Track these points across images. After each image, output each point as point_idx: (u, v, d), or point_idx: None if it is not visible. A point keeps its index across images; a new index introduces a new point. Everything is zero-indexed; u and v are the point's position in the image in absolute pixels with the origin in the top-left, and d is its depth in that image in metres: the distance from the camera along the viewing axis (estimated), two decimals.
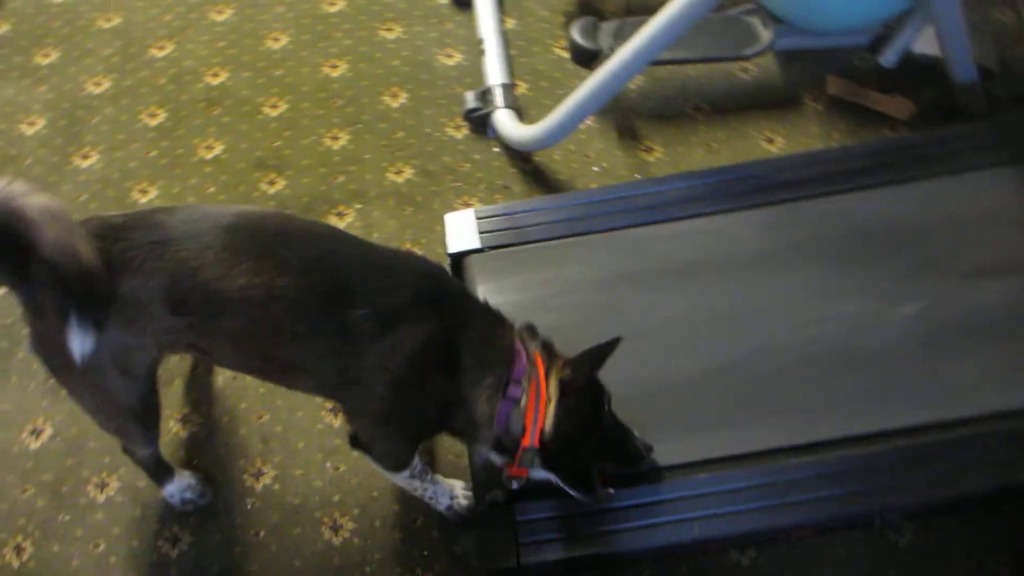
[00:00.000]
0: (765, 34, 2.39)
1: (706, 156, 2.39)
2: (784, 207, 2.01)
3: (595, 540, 1.65)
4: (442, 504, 1.81)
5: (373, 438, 1.65)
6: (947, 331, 1.81)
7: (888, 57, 2.42)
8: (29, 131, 2.48)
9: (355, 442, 1.73)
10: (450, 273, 1.62)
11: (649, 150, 2.41)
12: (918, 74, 2.44)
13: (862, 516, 1.70)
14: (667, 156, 2.40)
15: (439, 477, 1.82)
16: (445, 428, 1.64)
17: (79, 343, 1.35)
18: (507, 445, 1.55)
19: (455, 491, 1.83)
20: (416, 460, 1.71)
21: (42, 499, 1.93)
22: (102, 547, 1.87)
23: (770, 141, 2.42)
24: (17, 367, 2.06)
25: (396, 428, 1.60)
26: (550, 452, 1.53)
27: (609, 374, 1.78)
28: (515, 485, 1.61)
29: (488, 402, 1.51)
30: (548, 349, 1.59)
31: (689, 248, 1.98)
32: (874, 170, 2.06)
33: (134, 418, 1.66)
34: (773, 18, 2.42)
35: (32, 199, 1.30)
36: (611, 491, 1.63)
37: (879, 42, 2.43)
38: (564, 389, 1.52)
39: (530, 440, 1.51)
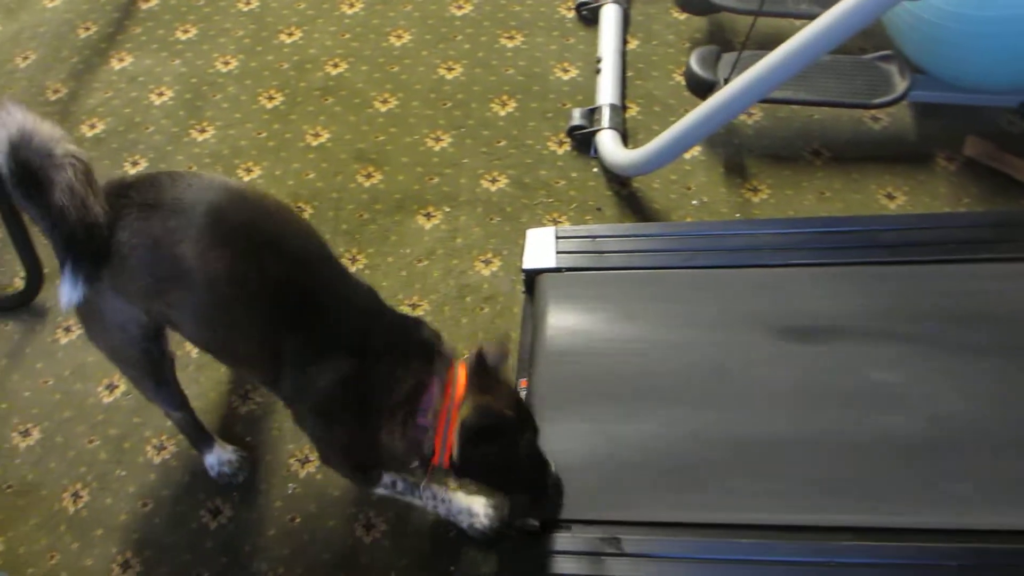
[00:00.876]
0: (900, 83, 2.23)
1: (816, 204, 2.24)
2: (887, 269, 1.85)
3: None
4: (463, 522, 1.77)
5: (316, 449, 1.72)
6: None
7: None
8: (157, 101, 2.60)
9: (323, 461, 1.77)
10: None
11: (755, 190, 2.29)
12: None
13: None
14: (773, 199, 2.27)
15: (454, 495, 1.77)
16: (378, 463, 1.67)
17: (67, 292, 1.42)
18: (422, 464, 1.58)
19: (474, 509, 1.77)
20: (391, 479, 1.71)
21: (105, 452, 2.01)
22: (150, 507, 1.93)
23: (890, 197, 2.25)
24: None
25: (330, 450, 1.68)
26: (463, 474, 1.58)
27: (666, 420, 1.71)
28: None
29: (402, 438, 1.54)
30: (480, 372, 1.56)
31: (775, 299, 1.86)
32: (997, 243, 1.87)
33: (142, 371, 1.71)
34: (912, 67, 2.25)
35: (64, 143, 1.37)
36: (534, 523, 1.60)
37: None
38: (463, 432, 1.50)
39: (439, 460, 1.54)
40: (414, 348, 1.56)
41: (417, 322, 1.60)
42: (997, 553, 1.49)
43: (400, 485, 1.73)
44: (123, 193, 1.49)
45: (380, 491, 1.75)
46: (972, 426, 1.65)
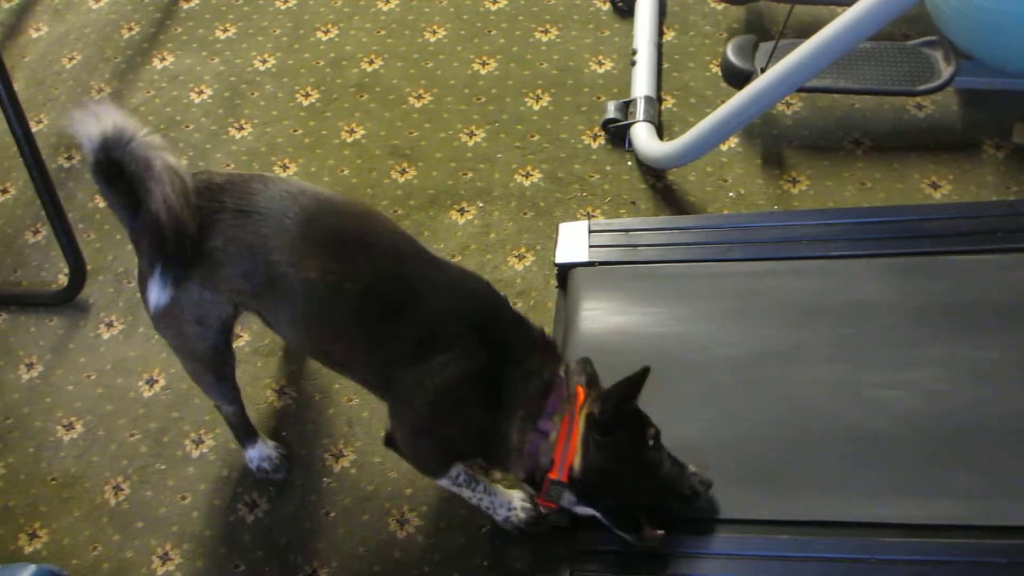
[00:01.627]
0: (946, 70, 2.16)
1: (857, 195, 2.19)
2: (930, 259, 1.81)
3: None
4: (499, 515, 1.76)
5: (407, 444, 1.67)
6: None
7: None
8: (196, 99, 2.64)
9: (389, 441, 1.75)
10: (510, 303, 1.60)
11: (794, 181, 2.25)
12: None
13: None
14: (813, 190, 2.22)
15: (497, 488, 1.77)
16: (479, 453, 1.64)
17: (156, 295, 1.48)
18: (537, 477, 1.52)
19: (513, 503, 1.77)
20: (457, 470, 1.68)
21: (145, 445, 2.05)
22: (188, 500, 1.96)
23: (935, 187, 2.19)
24: (146, 319, 2.17)
25: (428, 441, 1.63)
26: (584, 487, 1.48)
27: (704, 415, 1.68)
28: (562, 518, 1.57)
29: (519, 433, 1.50)
30: (592, 383, 1.55)
31: (813, 292, 1.82)
32: None
33: (206, 365, 1.74)
34: (958, 53, 2.18)
35: (164, 153, 1.43)
36: (660, 532, 1.51)
37: None
38: (591, 423, 1.47)
39: (557, 474, 1.48)
40: (540, 347, 1.55)
41: (532, 324, 1.58)
42: None
43: (462, 477, 1.71)
44: (216, 197, 1.52)
45: (443, 482, 1.72)
46: (1018, 420, 1.60)
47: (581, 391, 1.52)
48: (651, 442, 1.49)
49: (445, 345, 1.50)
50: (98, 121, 1.42)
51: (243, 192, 1.52)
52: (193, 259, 1.49)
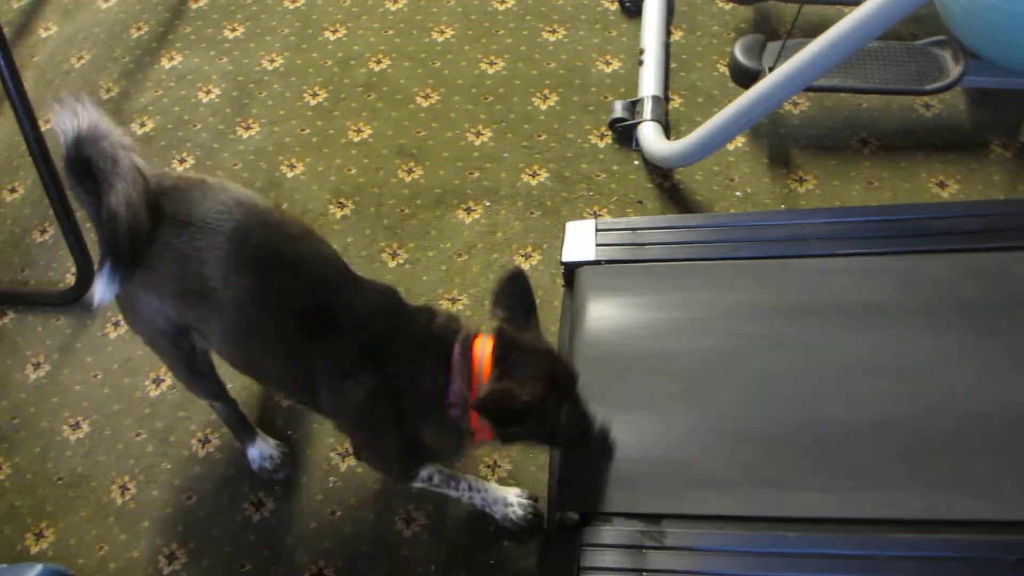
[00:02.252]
0: (954, 69, 2.15)
1: (864, 194, 2.18)
2: (937, 257, 1.79)
3: None
4: (497, 513, 1.78)
5: (364, 457, 1.73)
6: None
7: None
8: (205, 99, 2.65)
9: (356, 455, 1.79)
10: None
11: (801, 181, 2.24)
12: None
13: None
14: (820, 189, 2.21)
15: (489, 485, 1.79)
16: (434, 456, 1.68)
17: (101, 289, 1.47)
18: (466, 445, 1.61)
19: (508, 499, 1.80)
20: (429, 472, 1.72)
21: (151, 445, 2.05)
22: (194, 500, 1.96)
23: (942, 186, 2.18)
24: None
25: (376, 454, 1.70)
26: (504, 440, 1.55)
27: (710, 413, 1.68)
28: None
29: (441, 433, 1.57)
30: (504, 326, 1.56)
31: (820, 290, 1.80)
32: None
33: (175, 360, 1.76)
34: (966, 52, 2.18)
35: (131, 153, 1.44)
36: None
37: None
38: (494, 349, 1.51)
39: (480, 438, 1.56)
40: (430, 344, 1.55)
41: (430, 314, 1.59)
42: None
43: (436, 478, 1.75)
44: (156, 202, 1.52)
45: (418, 485, 1.76)
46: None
47: (487, 357, 1.51)
48: (552, 412, 1.51)
49: (351, 371, 1.54)
50: (75, 118, 1.44)
51: (183, 200, 1.52)
52: (140, 261, 1.50)
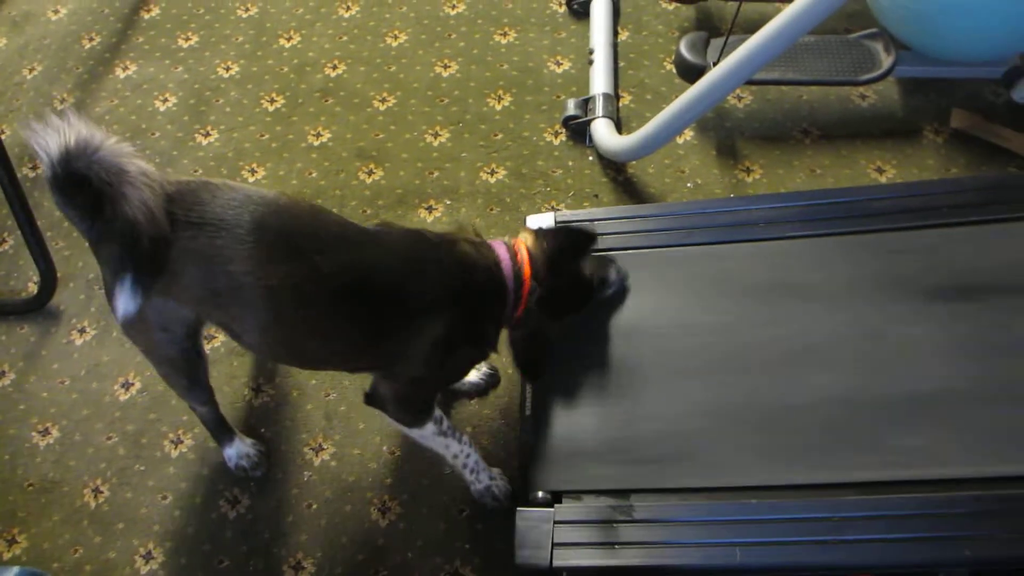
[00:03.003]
0: (886, 60, 2.28)
1: (808, 181, 2.29)
2: (878, 236, 1.90)
3: (632, 552, 1.60)
4: (481, 481, 1.86)
5: (401, 398, 1.74)
6: None
7: (1022, 92, 2.26)
8: (162, 107, 2.66)
9: (371, 399, 1.79)
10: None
11: (748, 171, 2.34)
12: None
13: (921, 565, 1.57)
14: (766, 178, 2.31)
15: (481, 458, 1.87)
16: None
17: (124, 302, 1.45)
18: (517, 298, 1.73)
19: (493, 473, 1.89)
20: (439, 414, 1.79)
21: (123, 448, 2.06)
22: (169, 499, 1.98)
23: (880, 171, 2.30)
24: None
25: (428, 386, 1.76)
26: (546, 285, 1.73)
27: (674, 390, 1.76)
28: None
29: (496, 323, 1.73)
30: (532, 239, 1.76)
31: (770, 270, 1.90)
32: (985, 206, 1.92)
33: (177, 370, 1.76)
34: (897, 44, 2.30)
35: (135, 159, 1.42)
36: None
37: (1014, 75, 2.28)
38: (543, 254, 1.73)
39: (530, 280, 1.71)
40: (478, 265, 1.67)
41: (457, 241, 1.69)
42: (996, 499, 1.54)
43: (446, 423, 1.80)
44: (167, 208, 1.51)
45: (430, 427, 1.78)
46: (968, 382, 1.69)
47: (520, 244, 1.74)
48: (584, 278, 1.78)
49: (419, 308, 1.60)
50: (59, 135, 1.40)
51: (193, 203, 1.51)
52: (163, 269, 1.49)
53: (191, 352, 1.72)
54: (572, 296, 1.80)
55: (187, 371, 1.76)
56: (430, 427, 1.76)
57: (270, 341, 1.65)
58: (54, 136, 1.39)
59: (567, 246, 1.75)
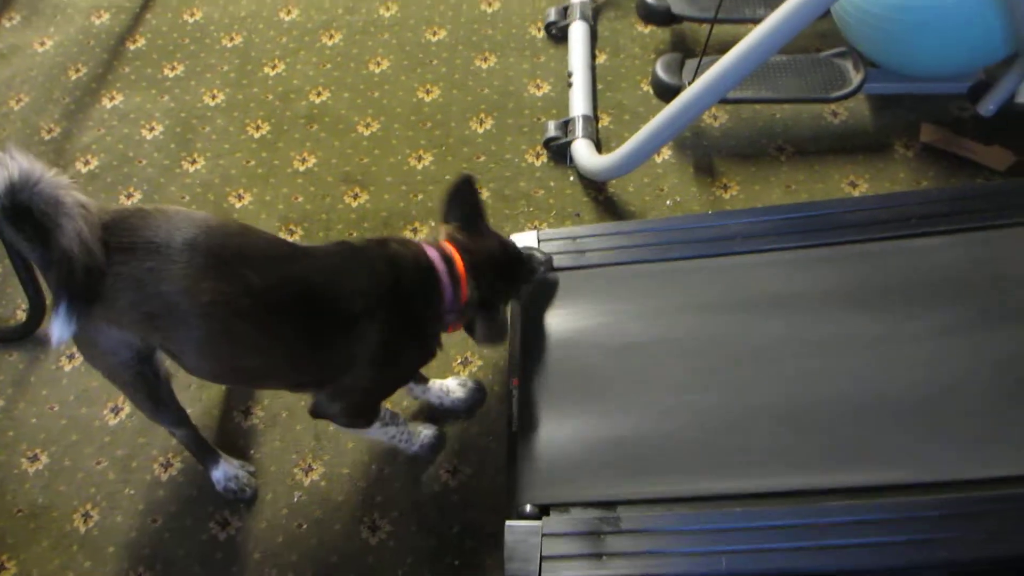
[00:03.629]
0: (855, 77, 2.34)
1: (784, 196, 2.34)
2: (853, 247, 1.95)
3: (619, 562, 1.63)
4: (413, 446, 2.00)
5: (350, 408, 1.80)
6: (1017, 385, 1.72)
7: (987, 106, 2.33)
8: (148, 136, 2.69)
9: (317, 412, 1.82)
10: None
11: (726, 188, 2.40)
12: (1020, 124, 2.33)
13: (903, 568, 1.60)
14: (743, 195, 2.37)
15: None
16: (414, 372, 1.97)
17: (59, 329, 1.48)
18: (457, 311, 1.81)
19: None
20: (384, 411, 1.88)
21: (113, 472, 2.07)
22: (159, 522, 1.99)
23: (853, 186, 2.35)
24: None
25: (377, 394, 1.84)
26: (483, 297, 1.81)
27: (658, 402, 1.79)
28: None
29: (438, 320, 1.79)
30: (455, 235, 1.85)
31: (750, 283, 1.95)
32: (955, 216, 1.97)
33: (136, 392, 1.78)
34: (866, 61, 2.37)
35: (72, 191, 1.46)
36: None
37: (978, 90, 2.35)
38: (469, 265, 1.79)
39: (467, 296, 1.79)
40: (412, 270, 1.73)
41: (386, 245, 1.75)
42: (973, 501, 1.59)
43: (387, 414, 1.90)
44: (103, 236, 1.54)
45: (376, 427, 1.87)
46: (943, 388, 1.74)
47: (449, 246, 1.81)
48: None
49: (355, 312, 1.64)
50: (4, 168, 1.43)
51: (123, 229, 1.54)
52: (97, 296, 1.52)
53: (148, 374, 1.74)
54: (507, 274, 1.89)
55: (147, 392, 1.78)
56: (376, 425, 1.86)
57: (209, 361, 1.68)
58: (1, 170, 1.43)
59: (486, 233, 1.87)
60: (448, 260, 1.76)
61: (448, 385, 2.09)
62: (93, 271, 1.48)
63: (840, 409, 1.75)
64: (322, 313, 1.62)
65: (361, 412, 1.83)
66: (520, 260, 1.93)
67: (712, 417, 1.79)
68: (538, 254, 2.03)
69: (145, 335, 1.64)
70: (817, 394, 1.77)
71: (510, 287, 1.92)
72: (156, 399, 1.80)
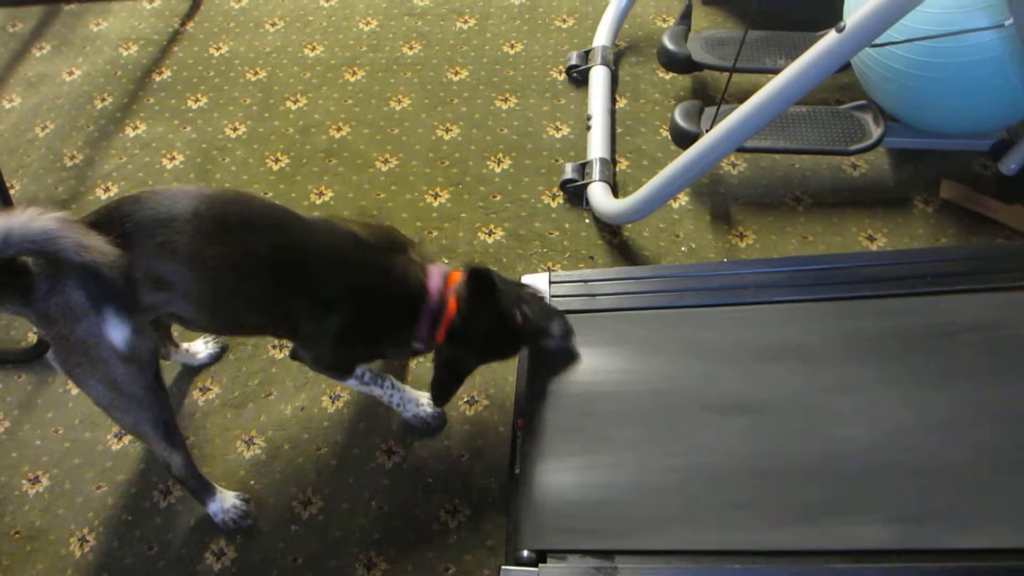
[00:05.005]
0: (875, 131, 2.33)
1: (800, 247, 2.32)
2: (868, 302, 1.92)
3: None
4: (409, 411, 2.08)
5: (316, 363, 1.96)
6: None
7: (1009, 165, 2.31)
8: (169, 165, 2.73)
9: (294, 356, 2.03)
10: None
11: (741, 236, 2.38)
12: None
13: None
14: (759, 244, 2.35)
15: (406, 387, 2.08)
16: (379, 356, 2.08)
17: (119, 331, 1.55)
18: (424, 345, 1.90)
19: (421, 400, 2.09)
20: (361, 371, 1.98)
21: (112, 497, 2.05)
22: (155, 550, 1.97)
23: (871, 239, 2.33)
24: None
25: (333, 361, 1.95)
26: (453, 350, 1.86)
27: (662, 451, 1.76)
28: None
29: (406, 336, 1.86)
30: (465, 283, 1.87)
31: (762, 334, 1.91)
32: (974, 274, 1.94)
33: (143, 410, 1.76)
34: (886, 116, 2.36)
35: (48, 215, 1.45)
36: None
37: (1001, 148, 2.33)
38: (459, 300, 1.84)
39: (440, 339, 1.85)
40: (402, 281, 1.80)
41: (386, 250, 1.82)
42: (987, 571, 1.53)
43: (367, 376, 2.00)
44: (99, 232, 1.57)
45: (351, 381, 1.99)
46: (960, 450, 1.69)
47: (456, 278, 1.87)
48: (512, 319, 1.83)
49: (333, 298, 1.76)
50: None
51: (119, 217, 1.60)
52: (133, 290, 1.58)
53: (154, 384, 1.75)
54: (494, 339, 1.87)
55: (153, 408, 1.77)
56: (352, 380, 1.98)
57: (214, 317, 1.79)
58: None
59: (494, 290, 1.83)
60: (440, 301, 1.82)
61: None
62: (115, 265, 1.51)
63: (849, 467, 1.70)
64: (300, 286, 1.73)
65: (331, 366, 1.96)
66: (516, 335, 1.88)
67: (717, 469, 1.74)
68: (555, 326, 1.91)
69: (158, 309, 1.70)
70: (826, 450, 1.72)
71: (489, 354, 1.93)
72: (160, 417, 1.79)
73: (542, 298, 1.97)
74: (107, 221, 1.59)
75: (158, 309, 1.70)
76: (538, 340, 1.90)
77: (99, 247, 1.48)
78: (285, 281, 1.72)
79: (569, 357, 1.95)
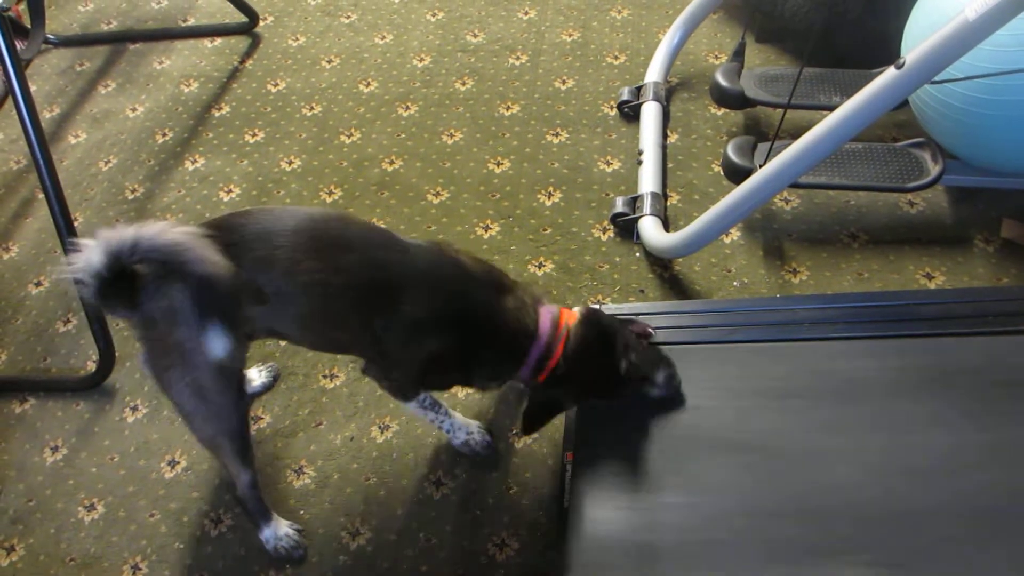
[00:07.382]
0: (933, 168, 2.30)
1: (855, 284, 2.29)
2: (925, 341, 1.88)
3: None
4: (458, 438, 2.09)
5: (392, 385, 1.95)
6: None
7: None
8: (225, 197, 2.79)
9: (365, 372, 2.00)
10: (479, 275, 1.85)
11: (795, 272, 2.35)
12: None
13: None
14: (813, 280, 2.32)
15: (456, 414, 2.08)
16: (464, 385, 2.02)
17: (219, 341, 1.62)
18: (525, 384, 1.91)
19: (471, 428, 2.10)
20: (424, 395, 1.99)
21: (165, 525, 2.08)
22: None
23: (929, 278, 2.28)
24: (170, 403, 2.26)
25: (413, 384, 1.94)
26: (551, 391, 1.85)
27: (712, 487, 1.73)
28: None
29: (512, 373, 1.86)
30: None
31: (815, 371, 1.88)
32: None
33: (224, 421, 1.78)
34: (944, 153, 2.32)
35: (179, 229, 1.52)
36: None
37: None
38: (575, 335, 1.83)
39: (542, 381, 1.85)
40: (512, 321, 1.80)
41: (499, 288, 1.83)
42: None
43: (427, 401, 2.02)
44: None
45: (412, 404, 2.00)
46: (1011, 500, 1.64)
47: (566, 322, 1.85)
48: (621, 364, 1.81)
49: (429, 324, 1.76)
50: (96, 247, 1.49)
51: (228, 228, 1.67)
52: (237, 302, 1.65)
53: (238, 398, 1.79)
54: (596, 385, 1.86)
55: (233, 422, 1.79)
56: (412, 403, 2.00)
57: (306, 331, 1.83)
58: (91, 253, 1.50)
59: (603, 337, 1.82)
60: (549, 345, 1.82)
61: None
62: (233, 283, 1.57)
63: (901, 509, 1.66)
64: (390, 307, 1.73)
65: (396, 389, 1.97)
66: (619, 383, 1.84)
67: (770, 510, 1.71)
68: (660, 375, 1.87)
69: (253, 322, 1.75)
70: (883, 491, 1.68)
71: (587, 397, 1.90)
72: (237, 433, 1.82)
73: (651, 337, 1.98)
74: (217, 234, 1.63)
75: (255, 322, 1.75)
76: (640, 388, 1.87)
77: (218, 261, 1.54)
78: (374, 301, 1.74)
79: None
